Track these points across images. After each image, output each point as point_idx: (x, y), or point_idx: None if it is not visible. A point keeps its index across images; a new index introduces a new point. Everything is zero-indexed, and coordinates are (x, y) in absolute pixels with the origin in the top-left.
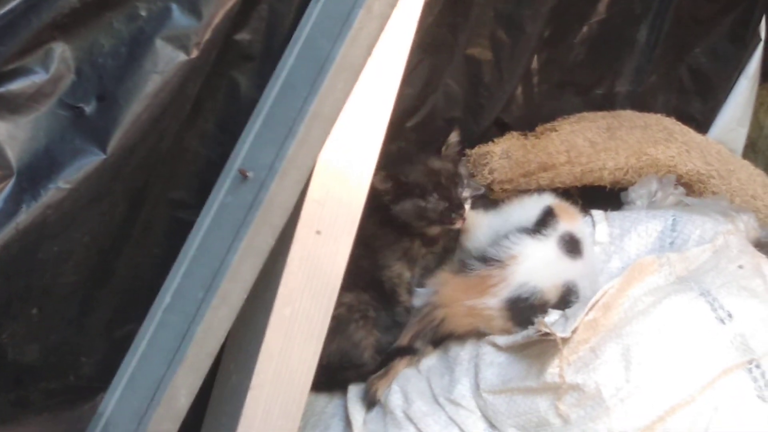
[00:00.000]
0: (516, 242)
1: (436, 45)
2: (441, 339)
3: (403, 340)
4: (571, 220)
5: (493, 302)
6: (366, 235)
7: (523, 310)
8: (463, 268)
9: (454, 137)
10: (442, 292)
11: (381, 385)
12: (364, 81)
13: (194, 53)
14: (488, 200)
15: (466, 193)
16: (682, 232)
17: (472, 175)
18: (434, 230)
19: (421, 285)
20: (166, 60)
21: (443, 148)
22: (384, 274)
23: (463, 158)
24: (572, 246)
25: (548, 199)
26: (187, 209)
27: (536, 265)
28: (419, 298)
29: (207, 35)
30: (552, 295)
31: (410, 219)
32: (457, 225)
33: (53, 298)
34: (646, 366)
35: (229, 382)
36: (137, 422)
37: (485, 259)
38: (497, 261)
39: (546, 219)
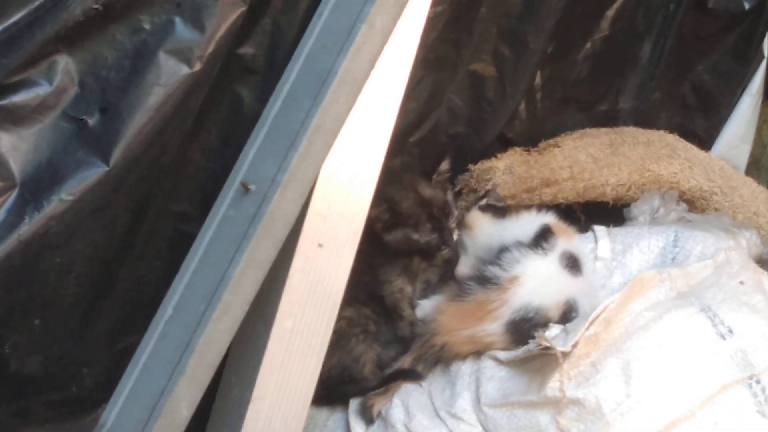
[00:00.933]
0: (517, 259)
1: (440, 60)
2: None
3: (405, 362)
4: (569, 239)
5: (493, 327)
6: (365, 251)
7: (527, 330)
8: (459, 291)
9: (445, 165)
10: (440, 321)
11: (378, 402)
12: (367, 95)
13: (197, 66)
14: (500, 209)
15: (452, 223)
16: (684, 247)
17: (475, 191)
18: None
19: (423, 299)
20: (169, 73)
21: (434, 176)
22: (385, 289)
23: (451, 185)
24: (572, 263)
25: (546, 218)
26: (189, 222)
27: (539, 283)
28: (422, 310)
29: (210, 49)
30: (555, 313)
31: (399, 247)
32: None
33: (55, 310)
34: (647, 381)
35: (230, 394)
36: None
37: (483, 280)
38: (496, 283)
39: (545, 236)
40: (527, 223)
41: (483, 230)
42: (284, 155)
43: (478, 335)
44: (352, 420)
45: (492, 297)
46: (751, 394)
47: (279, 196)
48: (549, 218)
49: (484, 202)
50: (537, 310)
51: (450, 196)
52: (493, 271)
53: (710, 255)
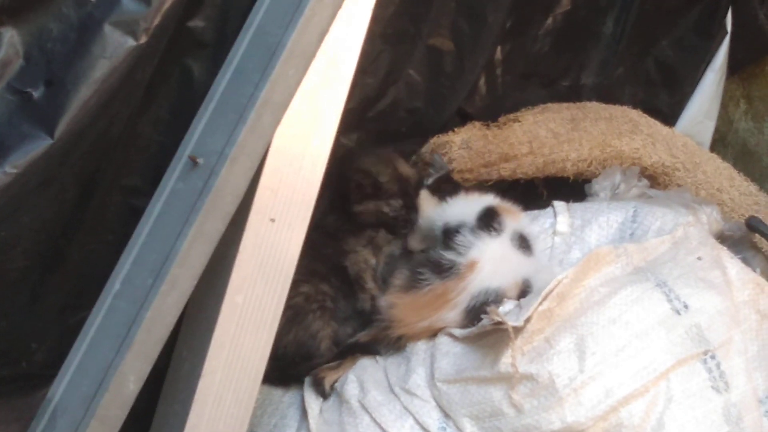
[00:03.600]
0: (471, 242)
1: (398, 35)
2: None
3: (363, 338)
4: (515, 217)
5: (452, 315)
6: (329, 224)
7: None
8: (413, 282)
9: (426, 148)
10: (395, 314)
11: (329, 375)
12: (318, 68)
13: (143, 39)
14: (452, 184)
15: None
16: (642, 223)
17: (450, 159)
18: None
19: (385, 275)
20: (115, 45)
21: (413, 157)
22: (350, 259)
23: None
24: (523, 242)
25: (489, 199)
26: (141, 196)
27: (496, 266)
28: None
29: (156, 21)
30: (513, 294)
31: (366, 218)
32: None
33: (2, 284)
34: (600, 356)
35: (181, 369)
36: (86, 408)
37: (439, 269)
38: (454, 271)
39: (492, 216)
40: (470, 204)
41: (431, 206)
42: (232, 129)
43: (436, 324)
44: (307, 395)
45: (450, 286)
46: (706, 370)
47: (227, 169)
48: (492, 199)
49: (430, 180)
50: (496, 292)
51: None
52: (448, 256)
53: (669, 230)
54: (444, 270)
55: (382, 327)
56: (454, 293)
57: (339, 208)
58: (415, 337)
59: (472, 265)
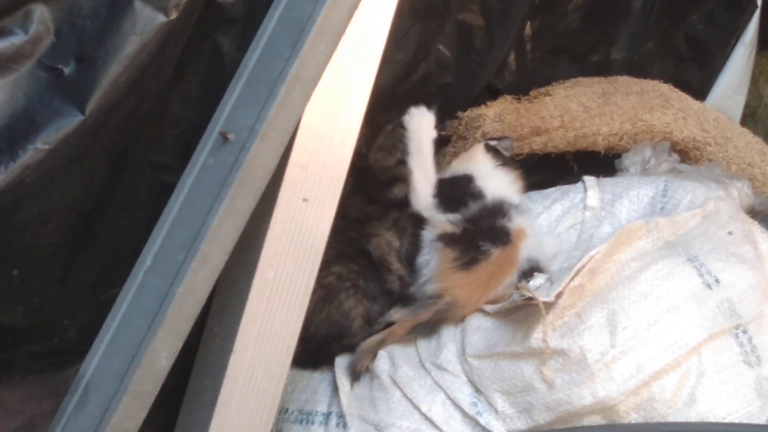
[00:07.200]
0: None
1: (428, 10)
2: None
3: (403, 323)
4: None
5: (511, 279)
6: (352, 208)
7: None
8: (476, 256)
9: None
10: (459, 296)
11: (367, 362)
12: (348, 44)
13: (173, 15)
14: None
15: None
16: (673, 197)
17: (464, 138)
18: None
19: (410, 256)
20: (145, 21)
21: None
22: (372, 242)
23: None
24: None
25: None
26: (171, 172)
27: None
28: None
29: None
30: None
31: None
32: None
33: (34, 260)
34: (632, 331)
35: (213, 345)
36: (118, 383)
37: (495, 235)
38: (508, 236)
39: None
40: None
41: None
42: (263, 104)
43: (500, 293)
44: (339, 371)
45: (507, 252)
46: (738, 344)
47: (257, 145)
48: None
49: (494, 142)
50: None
51: None
52: (504, 222)
53: (699, 204)
54: (501, 237)
55: (436, 311)
56: (515, 256)
57: (361, 193)
58: (476, 310)
59: (523, 230)
